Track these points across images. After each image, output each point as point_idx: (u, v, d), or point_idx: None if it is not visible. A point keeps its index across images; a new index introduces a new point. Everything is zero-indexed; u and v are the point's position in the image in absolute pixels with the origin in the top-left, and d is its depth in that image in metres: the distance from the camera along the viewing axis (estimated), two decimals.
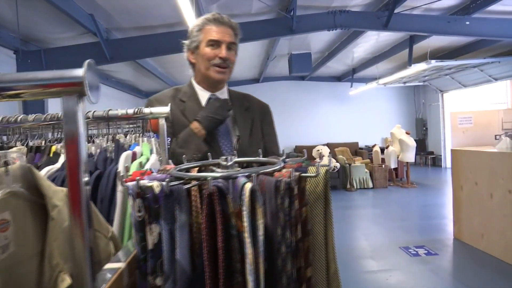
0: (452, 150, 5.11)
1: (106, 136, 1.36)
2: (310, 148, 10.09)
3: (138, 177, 0.71)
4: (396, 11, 5.86)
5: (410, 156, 8.59)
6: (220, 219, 0.66)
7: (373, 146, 10.18)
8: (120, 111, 1.15)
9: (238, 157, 1.32)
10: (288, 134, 12.19)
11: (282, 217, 0.70)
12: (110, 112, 1.16)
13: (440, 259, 4.21)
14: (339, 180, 8.90)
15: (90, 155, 1.25)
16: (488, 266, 3.96)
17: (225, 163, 0.83)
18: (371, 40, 8.21)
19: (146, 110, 1.14)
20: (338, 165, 8.79)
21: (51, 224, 0.64)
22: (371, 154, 10.02)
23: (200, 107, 1.53)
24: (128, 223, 0.96)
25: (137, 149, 1.20)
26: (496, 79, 9.59)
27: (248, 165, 0.99)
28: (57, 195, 0.68)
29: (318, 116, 12.99)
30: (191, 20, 4.49)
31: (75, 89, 0.52)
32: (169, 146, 1.38)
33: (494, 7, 5.96)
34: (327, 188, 0.81)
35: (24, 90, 0.54)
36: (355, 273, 3.98)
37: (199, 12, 5.27)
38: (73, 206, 0.55)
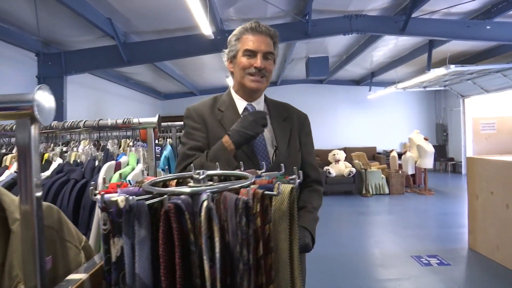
0: (468, 158, 5.00)
1: (91, 145, 1.38)
2: (326, 152, 10.03)
3: (103, 192, 0.73)
4: (413, 15, 5.78)
5: (428, 162, 8.42)
6: (176, 235, 0.68)
7: (391, 151, 10.03)
8: (110, 121, 1.18)
9: (274, 168, 1.33)
10: None
11: (240, 234, 0.71)
12: (101, 122, 1.18)
13: (452, 270, 4.12)
14: (354, 185, 8.80)
15: (80, 164, 1.28)
16: (503, 278, 3.85)
17: (197, 176, 0.85)
18: (390, 44, 8.11)
19: (135, 120, 1.16)
20: (354, 170, 8.70)
21: (12, 237, 0.66)
22: (389, 159, 9.88)
23: (237, 116, 1.51)
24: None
25: (123, 159, 1.22)
26: None
27: (226, 178, 1.00)
28: (19, 209, 0.70)
29: (335, 120, 12.89)
30: (204, 24, 4.54)
31: (26, 113, 0.54)
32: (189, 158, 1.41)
33: None
34: (293, 205, 0.81)
35: None
36: (363, 281, 3.94)
37: (213, 17, 5.33)
38: (24, 222, 0.57)
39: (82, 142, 1.85)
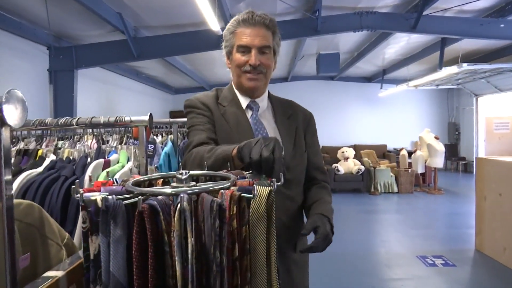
0: (477, 159, 4.93)
1: (93, 140, 1.40)
2: (336, 149, 9.98)
3: (83, 191, 0.74)
4: (425, 13, 5.69)
5: (438, 161, 8.33)
6: (150, 236, 0.68)
7: (401, 149, 9.94)
8: (102, 119, 1.19)
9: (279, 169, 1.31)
10: None
11: (213, 236, 0.71)
12: (93, 120, 1.19)
13: (457, 271, 4.08)
14: (363, 183, 8.75)
15: (72, 161, 1.30)
16: (509, 281, 3.81)
17: (180, 176, 0.85)
18: (402, 42, 8.01)
19: (127, 118, 1.18)
20: (362, 168, 8.65)
21: None
22: (399, 157, 9.80)
23: (241, 111, 1.42)
24: None
25: (113, 156, 1.24)
26: None
27: (211, 178, 1.00)
28: None
29: (346, 117, 12.80)
30: (212, 20, 4.54)
31: None
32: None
33: None
34: (271, 208, 0.81)
35: None
36: (366, 279, 3.93)
37: (223, 13, 5.32)
38: None
39: (85, 137, 1.88)
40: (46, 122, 1.27)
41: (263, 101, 1.48)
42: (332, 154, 10.58)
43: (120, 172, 1.16)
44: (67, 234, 0.86)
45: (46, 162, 1.29)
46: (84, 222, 0.76)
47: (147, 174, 1.24)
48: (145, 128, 1.22)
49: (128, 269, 0.74)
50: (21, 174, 1.17)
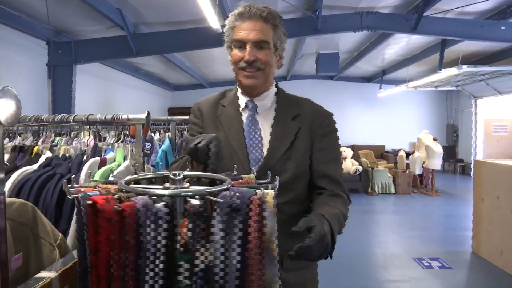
0: (475, 161, 4.94)
1: (90, 136, 1.38)
2: None
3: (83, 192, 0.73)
4: (426, 14, 5.69)
5: (436, 163, 8.33)
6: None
7: (399, 150, 9.95)
8: (99, 116, 1.17)
9: (263, 173, 1.19)
10: None
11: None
12: (90, 117, 1.18)
13: (453, 274, 4.08)
14: (360, 183, 8.75)
15: (68, 158, 1.29)
16: (505, 285, 3.81)
17: (173, 177, 0.84)
18: (402, 42, 8.00)
19: (124, 116, 1.16)
20: (360, 168, 8.65)
21: None
22: (397, 158, 9.80)
23: (237, 112, 1.36)
24: None
25: (110, 155, 1.22)
26: None
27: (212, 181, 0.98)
28: None
29: (345, 116, 12.77)
30: (212, 17, 4.52)
31: None
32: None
33: None
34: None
35: None
36: (361, 281, 3.92)
37: (223, 10, 5.30)
38: None
39: (82, 133, 1.86)
40: (42, 118, 1.26)
41: (263, 100, 1.37)
42: None
43: (116, 170, 1.15)
44: (60, 234, 0.85)
45: (42, 159, 1.27)
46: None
47: (143, 173, 1.23)
48: (142, 126, 1.21)
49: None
50: (16, 171, 1.15)
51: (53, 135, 1.94)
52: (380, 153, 12.00)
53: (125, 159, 1.27)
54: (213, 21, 4.68)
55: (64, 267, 0.74)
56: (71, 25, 5.99)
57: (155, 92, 11.73)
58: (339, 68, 9.24)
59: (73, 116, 1.24)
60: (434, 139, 8.52)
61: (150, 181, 0.95)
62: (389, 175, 8.80)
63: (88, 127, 1.91)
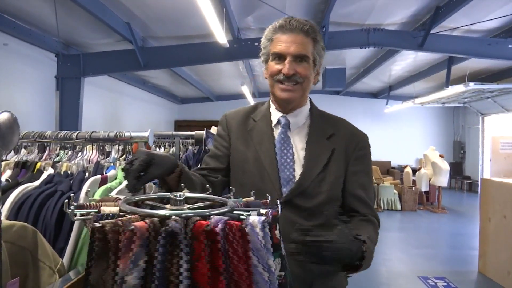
0: (482, 179, 4.89)
1: (93, 151, 1.39)
2: None
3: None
4: (433, 31, 5.70)
5: (442, 180, 8.27)
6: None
7: (405, 166, 9.89)
8: (102, 133, 1.18)
9: (295, 196, 1.19)
10: None
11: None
12: (93, 134, 1.19)
13: None
14: None
15: (70, 175, 1.29)
16: None
17: (174, 197, 0.84)
18: (409, 59, 8.02)
19: (127, 134, 1.17)
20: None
21: None
22: (403, 174, 9.74)
23: (269, 128, 1.30)
24: (78, 249, 0.99)
25: (111, 172, 1.22)
26: None
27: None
28: None
29: None
30: (219, 33, 4.57)
31: None
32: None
33: None
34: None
35: None
36: None
37: (230, 25, 5.37)
38: None
39: (86, 148, 1.87)
40: (46, 135, 1.27)
41: (297, 117, 1.32)
42: None
43: (117, 189, 1.15)
44: (61, 260, 0.85)
45: (44, 175, 1.28)
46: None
47: (144, 191, 1.22)
48: (144, 144, 1.21)
49: None
50: (18, 188, 1.16)
51: (58, 148, 1.95)
52: (386, 169, 11.93)
53: None
54: (220, 36, 4.72)
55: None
56: (80, 38, 6.09)
57: (162, 104, 11.81)
58: (345, 83, 9.25)
59: (76, 133, 1.25)
60: (441, 156, 8.47)
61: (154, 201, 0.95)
62: (395, 191, 8.73)
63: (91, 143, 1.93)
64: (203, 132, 2.46)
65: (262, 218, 0.72)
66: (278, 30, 1.24)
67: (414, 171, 9.39)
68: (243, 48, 6.05)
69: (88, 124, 6.30)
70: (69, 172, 1.29)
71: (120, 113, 8.82)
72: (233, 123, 1.35)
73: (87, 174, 1.26)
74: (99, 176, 1.18)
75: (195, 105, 13.01)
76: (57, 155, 1.92)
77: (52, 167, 1.33)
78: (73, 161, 1.40)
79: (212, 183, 1.22)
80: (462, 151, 12.68)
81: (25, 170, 1.36)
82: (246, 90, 8.98)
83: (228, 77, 9.55)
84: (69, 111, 6.03)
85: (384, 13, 5.61)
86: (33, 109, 5.74)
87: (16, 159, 1.42)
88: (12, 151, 1.62)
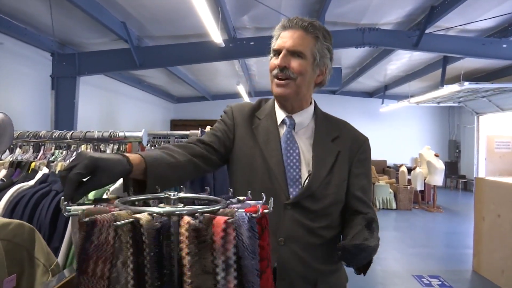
0: (476, 179, 4.92)
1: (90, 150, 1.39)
2: None
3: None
4: (428, 31, 5.73)
5: (437, 179, 8.31)
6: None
7: (400, 166, 9.93)
8: (96, 133, 1.18)
9: (304, 198, 1.20)
10: None
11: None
12: (88, 134, 1.19)
13: None
14: None
15: None
16: None
17: (168, 196, 0.85)
18: (404, 58, 8.05)
19: (121, 134, 1.17)
20: None
21: None
22: (398, 173, 9.78)
23: (275, 126, 1.30)
24: (73, 249, 0.99)
25: None
26: None
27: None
28: None
29: None
30: (215, 32, 4.57)
31: None
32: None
33: None
34: None
35: None
36: None
37: (226, 25, 5.37)
38: None
39: (82, 147, 1.87)
40: (40, 135, 1.27)
41: (301, 117, 1.32)
42: None
43: (112, 187, 1.15)
44: (56, 260, 0.85)
45: (39, 175, 1.28)
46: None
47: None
48: (138, 144, 1.22)
49: None
50: (12, 187, 1.16)
51: (53, 147, 1.95)
52: (382, 168, 11.98)
53: None
54: (216, 36, 4.73)
55: (55, 286, 0.74)
56: (75, 37, 6.07)
57: (158, 104, 11.79)
58: (341, 83, 9.29)
59: (70, 133, 1.25)
60: (436, 155, 8.51)
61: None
62: (390, 190, 8.77)
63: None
64: (198, 131, 2.46)
65: (248, 214, 0.76)
66: (281, 29, 1.26)
67: (410, 170, 9.43)
68: (238, 48, 6.06)
69: (83, 124, 6.28)
70: None
71: (115, 113, 8.80)
72: (239, 117, 1.34)
73: None
74: None
75: (191, 105, 13.00)
76: (52, 154, 1.92)
77: (46, 167, 1.34)
78: (67, 161, 1.40)
79: (206, 158, 1.22)
80: (457, 150, 12.76)
81: (19, 169, 1.36)
82: (242, 89, 8.99)
83: (224, 76, 9.55)
84: (64, 111, 6.01)
85: (379, 13, 5.63)
86: (28, 109, 5.72)
87: (11, 159, 1.43)
88: (7, 151, 1.62)
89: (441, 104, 11.51)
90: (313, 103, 1.38)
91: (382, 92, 11.67)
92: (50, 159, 1.46)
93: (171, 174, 1.07)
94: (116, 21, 5.37)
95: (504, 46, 6.04)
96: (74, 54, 6.19)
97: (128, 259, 0.66)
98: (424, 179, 8.60)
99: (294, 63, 1.21)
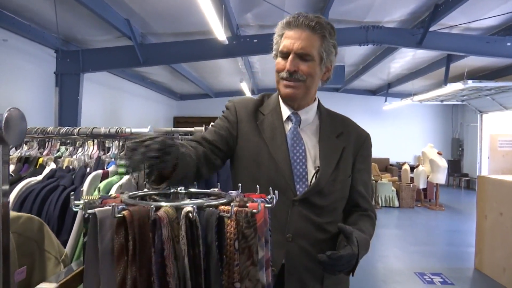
0: (479, 177, 4.92)
1: (94, 147, 1.41)
2: None
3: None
4: (431, 29, 5.72)
5: (440, 177, 8.30)
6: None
7: (403, 164, 9.92)
8: (103, 129, 1.20)
9: (312, 194, 1.21)
10: None
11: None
12: (94, 130, 1.21)
13: None
14: None
15: (72, 170, 1.31)
16: None
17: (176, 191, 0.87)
18: (407, 56, 8.04)
19: (127, 130, 1.19)
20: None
21: None
22: (401, 171, 9.78)
23: (280, 122, 1.30)
24: (81, 242, 1.01)
25: (112, 167, 1.25)
26: None
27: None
28: None
29: None
30: (218, 30, 4.58)
31: None
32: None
33: None
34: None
35: None
36: None
37: (229, 22, 5.38)
38: None
39: (87, 143, 1.89)
40: (48, 130, 1.29)
41: (307, 114, 1.33)
42: None
43: (118, 183, 1.17)
44: (65, 251, 0.88)
45: (46, 170, 1.30)
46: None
47: (144, 186, 1.25)
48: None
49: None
50: (21, 182, 1.18)
51: (58, 144, 1.97)
52: (384, 166, 11.97)
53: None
54: (220, 33, 4.73)
55: (64, 279, 0.76)
56: (79, 34, 6.09)
57: (161, 101, 11.82)
58: (344, 80, 9.27)
59: (77, 129, 1.27)
60: (439, 153, 8.50)
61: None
62: (393, 188, 8.77)
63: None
64: (202, 128, 2.48)
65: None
66: (286, 27, 1.24)
67: (412, 168, 9.42)
68: (242, 45, 6.06)
69: (87, 120, 6.31)
70: (70, 167, 1.32)
71: (119, 110, 8.82)
72: (243, 112, 1.32)
73: (88, 169, 1.29)
74: (100, 171, 1.20)
75: (194, 102, 13.02)
76: (58, 150, 1.95)
77: (54, 162, 1.36)
78: (74, 156, 1.42)
79: (209, 161, 1.20)
80: (460, 149, 12.73)
81: (27, 165, 1.38)
82: (245, 86, 9.00)
83: (227, 73, 9.56)
84: (68, 107, 6.04)
85: (383, 10, 5.62)
86: (32, 105, 5.75)
87: (19, 155, 1.45)
88: (14, 148, 1.64)
89: (445, 103, 11.48)
90: (316, 99, 1.39)
91: (385, 90, 11.65)
92: (56, 155, 1.48)
93: (191, 169, 1.07)
94: (120, 18, 5.39)
95: (508, 44, 6.02)
96: (78, 51, 6.21)
97: (184, 252, 0.73)
98: (427, 177, 8.60)
99: (303, 66, 1.22)
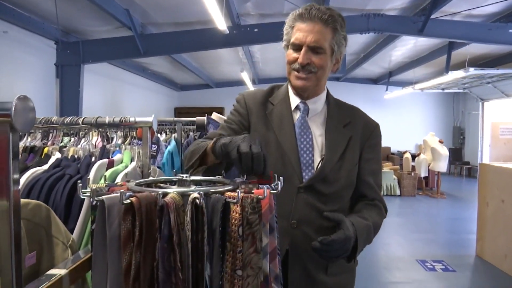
0: (480, 164, 4.93)
1: (98, 137, 1.42)
2: None
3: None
4: (433, 16, 5.68)
5: (441, 165, 8.32)
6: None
7: (404, 152, 9.93)
8: (107, 119, 1.21)
9: (317, 181, 1.22)
10: None
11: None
12: (99, 120, 1.22)
13: (456, 277, 4.09)
14: None
15: (77, 159, 1.33)
16: None
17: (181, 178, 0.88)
18: (409, 44, 8.00)
19: (132, 119, 1.20)
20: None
21: None
22: (402, 160, 9.79)
23: (289, 112, 1.32)
24: (88, 230, 1.03)
25: (117, 156, 1.26)
26: None
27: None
28: None
29: None
30: (219, 19, 4.56)
31: (5, 121, 0.57)
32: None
33: None
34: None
35: None
36: (364, 283, 3.93)
37: (230, 12, 5.35)
38: (1, 217, 0.60)
39: (90, 134, 1.90)
40: (52, 120, 1.30)
41: (315, 103, 1.34)
42: None
43: (123, 172, 1.18)
44: (72, 236, 0.89)
45: (52, 160, 1.31)
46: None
47: (149, 174, 1.26)
48: (149, 129, 1.24)
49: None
50: (27, 172, 1.19)
51: (61, 134, 1.98)
52: (386, 154, 11.98)
53: (131, 160, 1.31)
54: (220, 22, 4.71)
55: (73, 265, 0.78)
56: (79, 25, 6.07)
57: (161, 91, 11.80)
58: (345, 69, 9.25)
59: (82, 119, 1.28)
60: (440, 142, 8.50)
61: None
62: (394, 177, 8.80)
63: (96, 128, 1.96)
64: (204, 118, 2.49)
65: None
66: (298, 19, 1.24)
67: (414, 156, 9.43)
68: (242, 35, 6.03)
69: (88, 112, 6.31)
70: (76, 156, 1.33)
71: (119, 100, 8.82)
72: (252, 104, 1.35)
73: (93, 158, 1.30)
74: (106, 160, 1.21)
75: (194, 92, 12.99)
76: (61, 141, 1.96)
77: (59, 152, 1.37)
78: (79, 146, 1.43)
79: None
80: (461, 137, 12.72)
81: (33, 154, 1.39)
82: (246, 76, 8.97)
83: (227, 63, 9.53)
84: (69, 99, 6.04)
85: None
86: (33, 97, 5.55)
87: (24, 144, 1.46)
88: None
89: (446, 91, 11.44)
90: (325, 89, 1.39)
91: (386, 78, 11.61)
92: (60, 145, 1.50)
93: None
94: (120, 8, 5.37)
95: (510, 31, 5.99)
96: (78, 42, 6.19)
97: (188, 238, 0.75)
98: (428, 166, 8.61)
99: (315, 59, 1.23)
